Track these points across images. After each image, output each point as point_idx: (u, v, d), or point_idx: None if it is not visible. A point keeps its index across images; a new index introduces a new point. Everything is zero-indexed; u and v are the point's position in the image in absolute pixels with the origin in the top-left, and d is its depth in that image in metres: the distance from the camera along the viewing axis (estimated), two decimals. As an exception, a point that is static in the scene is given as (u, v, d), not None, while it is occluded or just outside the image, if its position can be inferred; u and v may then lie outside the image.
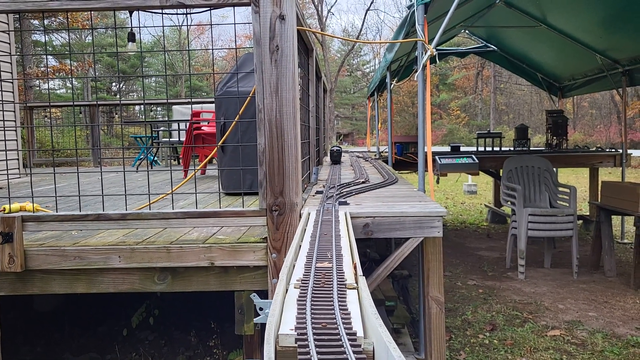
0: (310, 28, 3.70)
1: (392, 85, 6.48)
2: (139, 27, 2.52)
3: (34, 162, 8.81)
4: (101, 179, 2.74)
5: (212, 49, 4.43)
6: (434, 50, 3.35)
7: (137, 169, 7.53)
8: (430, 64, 3.65)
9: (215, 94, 4.29)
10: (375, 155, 8.71)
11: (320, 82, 6.36)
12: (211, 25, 2.77)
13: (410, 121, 36.43)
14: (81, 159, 9.30)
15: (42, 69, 19.72)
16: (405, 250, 2.79)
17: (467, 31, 9.16)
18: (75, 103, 9.25)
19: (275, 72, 2.55)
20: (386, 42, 8.18)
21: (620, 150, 7.78)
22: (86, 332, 4.20)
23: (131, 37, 4.76)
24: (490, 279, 5.69)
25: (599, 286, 5.32)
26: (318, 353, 0.91)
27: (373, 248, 5.72)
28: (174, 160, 8.73)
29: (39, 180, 6.15)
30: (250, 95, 3.28)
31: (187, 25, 33.32)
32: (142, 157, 7.84)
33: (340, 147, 6.70)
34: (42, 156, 11.03)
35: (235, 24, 2.69)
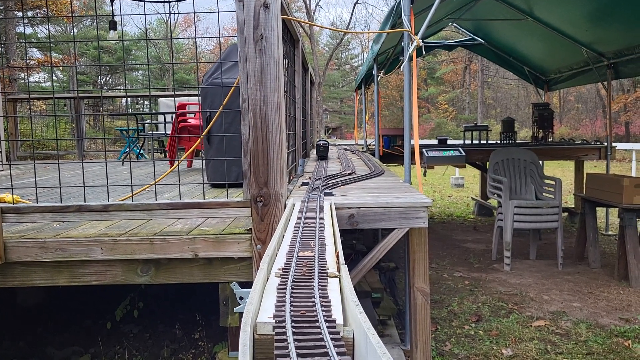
0: (295, 18, 3.67)
1: (379, 77, 6.47)
2: (120, 15, 2.47)
3: (17, 155, 8.71)
4: (82, 169, 2.70)
5: (195, 38, 4.38)
6: (420, 40, 3.33)
7: (123, 162, 7.46)
8: (417, 56, 3.63)
9: (200, 86, 4.25)
10: (362, 148, 8.70)
11: (307, 74, 6.33)
12: (194, 14, 2.74)
13: (398, 115, 36.45)
14: (66, 152, 9.20)
15: (27, 61, 19.45)
16: (391, 241, 2.79)
17: (454, 24, 9.16)
18: (56, 95, 9.14)
19: (259, 61, 2.53)
20: (373, 32, 8.15)
21: (605, 143, 7.85)
22: (70, 326, 4.16)
23: (112, 26, 4.68)
24: (476, 271, 5.71)
25: (584, 277, 5.36)
26: (296, 341, 0.90)
27: (360, 240, 5.72)
28: (160, 153, 8.66)
29: (22, 173, 6.07)
30: (234, 85, 3.25)
31: (171, 13, 33.00)
32: (127, 150, 7.76)
33: (327, 141, 6.06)
34: (27, 149, 10.89)
35: (219, 12, 2.65)
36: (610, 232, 7.45)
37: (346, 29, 35.24)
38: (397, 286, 5.17)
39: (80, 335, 4.00)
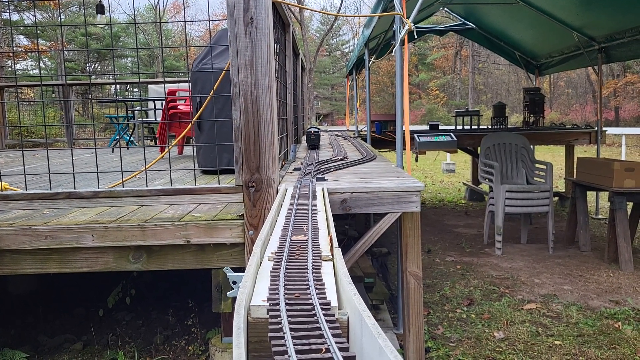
0: (285, 1, 3.63)
1: (370, 62, 6.43)
2: (108, -2, 2.42)
3: (6, 144, 8.62)
4: (72, 155, 2.67)
5: (185, 22, 4.33)
6: (412, 24, 3.31)
7: (113, 149, 7.40)
8: (409, 41, 3.61)
9: (190, 71, 4.20)
10: (354, 134, 8.68)
11: (297, 59, 6.28)
12: (183, -3, 2.70)
13: (389, 101, 36.39)
14: (55, 140, 9.11)
15: (14, 48, 19.18)
16: (384, 226, 2.79)
17: (445, 9, 9.12)
18: (43, 82, 9.04)
19: (250, 45, 2.50)
20: (364, 16, 8.10)
21: (596, 128, 7.88)
22: (62, 314, 4.14)
23: (100, 9, 4.59)
24: (468, 255, 5.74)
25: (574, 261, 5.41)
26: (290, 323, 0.89)
27: (352, 226, 5.73)
28: (150, 140, 8.60)
29: (10, 161, 6.01)
30: (225, 69, 3.21)
31: None
32: (117, 137, 7.70)
33: (318, 129, 5.50)
34: (15, 137, 10.78)
35: (208, -5, 2.62)
36: (600, 216, 7.51)
37: (337, 12, 35.03)
38: (390, 271, 5.19)
39: (72, 323, 3.99)
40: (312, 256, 1.30)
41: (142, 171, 2.94)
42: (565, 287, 4.66)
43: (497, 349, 3.50)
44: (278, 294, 1.02)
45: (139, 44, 33.32)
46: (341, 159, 4.09)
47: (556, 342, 3.57)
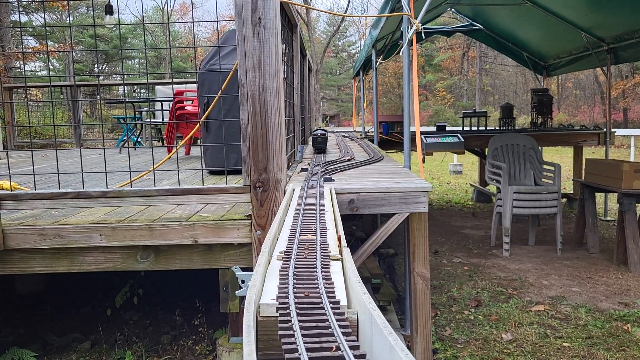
0: (293, 2, 3.63)
1: (377, 63, 6.42)
2: (117, -1, 2.43)
3: (15, 144, 8.67)
4: (80, 155, 2.68)
5: (193, 22, 4.32)
6: (420, 25, 3.30)
7: (121, 150, 7.43)
8: (416, 42, 3.60)
9: (197, 72, 4.21)
10: (361, 135, 8.68)
11: (305, 60, 6.28)
12: (192, -3, 2.70)
13: (396, 102, 36.36)
14: (63, 141, 9.16)
15: (23, 49, 19.29)
16: (391, 226, 2.78)
17: (453, 10, 9.10)
18: (53, 83, 9.09)
19: (257, 45, 2.50)
20: (372, 17, 8.09)
21: (604, 129, 7.83)
22: (69, 313, 4.16)
23: (109, 10, 4.61)
24: (475, 257, 5.72)
25: (583, 262, 5.37)
26: (300, 322, 0.89)
27: (359, 227, 5.72)
28: (157, 141, 8.63)
29: (19, 161, 6.04)
30: (232, 70, 3.22)
31: None
32: (125, 138, 7.73)
33: (325, 131, 5.12)
34: (24, 138, 10.84)
35: (216, -4, 2.62)
36: (609, 218, 7.46)
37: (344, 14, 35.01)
38: (397, 272, 5.18)
39: (80, 322, 4.00)
40: (321, 255, 1.30)
41: (150, 171, 2.95)
42: (574, 288, 4.63)
43: (505, 351, 3.48)
44: (287, 292, 1.02)
45: (147, 45, 33.42)
46: (348, 160, 4.09)
47: (565, 344, 3.55)
